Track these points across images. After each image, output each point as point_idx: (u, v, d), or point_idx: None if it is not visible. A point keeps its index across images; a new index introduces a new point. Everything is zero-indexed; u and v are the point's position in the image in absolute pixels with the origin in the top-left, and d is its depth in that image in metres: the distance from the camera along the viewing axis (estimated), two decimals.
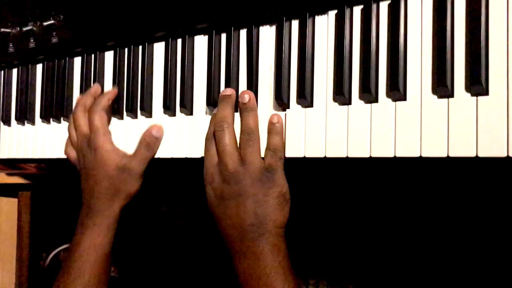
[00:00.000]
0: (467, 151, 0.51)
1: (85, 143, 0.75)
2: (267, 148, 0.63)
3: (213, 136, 0.65)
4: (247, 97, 0.64)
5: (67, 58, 0.86)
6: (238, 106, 0.66)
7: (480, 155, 0.50)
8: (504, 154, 0.49)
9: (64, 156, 0.85)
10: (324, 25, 0.62)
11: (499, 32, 0.51)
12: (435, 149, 0.53)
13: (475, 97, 0.51)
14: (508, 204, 0.71)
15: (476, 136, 0.51)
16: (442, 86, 0.53)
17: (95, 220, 0.72)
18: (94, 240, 0.71)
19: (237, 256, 0.61)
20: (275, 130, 0.62)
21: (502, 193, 0.71)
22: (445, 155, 0.52)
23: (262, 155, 0.63)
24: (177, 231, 0.90)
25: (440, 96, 0.53)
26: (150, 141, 0.72)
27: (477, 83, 0.51)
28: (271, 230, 0.60)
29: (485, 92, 0.51)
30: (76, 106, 0.78)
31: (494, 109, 0.50)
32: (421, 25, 0.55)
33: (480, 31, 0.51)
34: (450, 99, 0.52)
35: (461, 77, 0.53)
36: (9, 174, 1.13)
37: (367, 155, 0.57)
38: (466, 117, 0.51)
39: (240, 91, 0.67)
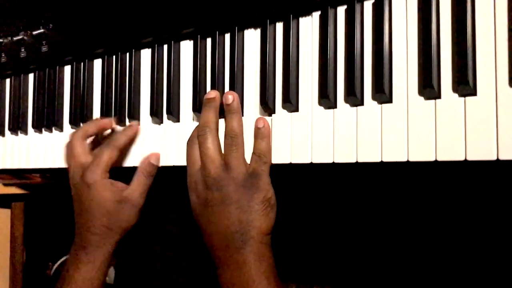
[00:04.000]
0: (456, 155, 0.49)
1: (78, 176, 0.70)
2: (253, 153, 0.61)
3: (196, 141, 0.63)
4: (230, 98, 0.63)
5: (57, 67, 0.85)
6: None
7: (469, 158, 0.48)
8: (494, 157, 0.47)
9: (56, 166, 0.85)
10: (309, 27, 0.60)
11: (486, 30, 0.49)
12: (423, 153, 0.51)
13: (463, 98, 0.49)
14: (498, 207, 0.68)
15: (465, 139, 0.48)
16: (428, 87, 0.50)
17: (91, 256, 0.69)
18: (89, 275, 0.69)
19: (221, 266, 0.59)
20: (261, 134, 0.61)
21: (492, 196, 0.69)
22: (433, 159, 0.50)
23: (249, 160, 0.62)
24: (170, 238, 0.88)
25: (427, 97, 0.51)
26: (150, 170, 0.70)
27: (464, 83, 0.49)
28: (256, 237, 0.58)
29: (473, 93, 0.49)
30: (76, 132, 0.73)
31: (483, 110, 0.48)
32: (406, 25, 0.53)
33: (467, 30, 0.49)
34: (437, 100, 0.50)
35: (448, 78, 0.50)
36: (5, 185, 1.12)
37: (353, 161, 0.55)
38: (454, 118, 0.49)
39: None
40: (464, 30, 0.49)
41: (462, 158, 0.49)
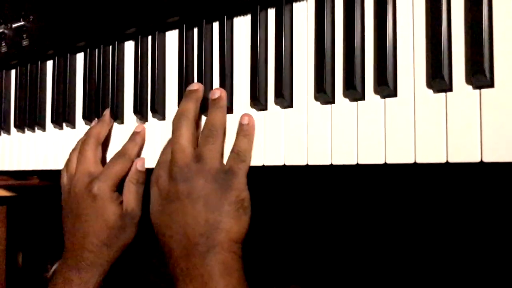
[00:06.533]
0: (470, 156, 0.42)
1: (83, 184, 0.63)
2: (232, 150, 0.55)
3: None
4: (217, 93, 0.57)
5: (39, 62, 0.80)
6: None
7: (485, 160, 0.42)
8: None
9: (40, 168, 0.79)
10: (303, 12, 0.54)
11: (504, 12, 0.42)
12: (432, 154, 0.44)
13: (477, 90, 0.42)
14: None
15: (481, 137, 0.42)
16: (438, 78, 0.44)
17: (84, 275, 0.62)
18: None
19: (181, 278, 0.52)
20: (243, 131, 0.55)
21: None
22: (444, 160, 0.44)
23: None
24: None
25: (437, 90, 0.45)
26: (138, 177, 0.64)
27: (480, 73, 0.42)
28: (223, 243, 0.51)
29: (490, 84, 0.42)
30: (88, 137, 0.67)
31: (501, 104, 0.41)
32: (413, 12, 0.47)
33: (482, 11, 0.43)
34: (448, 93, 0.44)
35: (461, 67, 0.44)
36: None
37: (354, 162, 0.49)
38: (468, 114, 0.43)
39: None
40: (478, 11, 0.43)
41: (478, 160, 0.42)
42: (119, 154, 0.65)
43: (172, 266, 0.53)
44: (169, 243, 0.54)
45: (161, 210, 0.55)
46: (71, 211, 0.65)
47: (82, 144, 0.66)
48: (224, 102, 0.57)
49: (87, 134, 0.67)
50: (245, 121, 0.54)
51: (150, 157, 0.64)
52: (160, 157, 0.58)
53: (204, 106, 0.58)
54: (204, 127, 0.56)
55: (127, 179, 0.64)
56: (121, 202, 0.63)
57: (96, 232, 0.62)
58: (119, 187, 0.64)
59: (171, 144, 0.55)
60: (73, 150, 0.69)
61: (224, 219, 0.51)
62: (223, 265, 0.50)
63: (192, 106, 0.57)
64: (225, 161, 0.55)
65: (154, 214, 0.56)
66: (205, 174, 0.52)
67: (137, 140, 0.65)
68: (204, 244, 0.51)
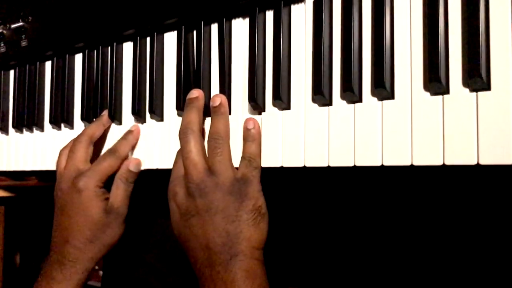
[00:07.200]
0: (467, 158, 0.43)
1: (70, 179, 0.63)
2: (242, 157, 0.55)
3: None
4: (218, 100, 0.57)
5: (38, 62, 0.80)
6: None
7: (482, 162, 0.42)
8: (511, 161, 0.41)
9: (38, 169, 0.79)
10: (301, 14, 0.54)
11: (501, 15, 0.42)
12: (429, 156, 0.44)
13: (474, 93, 0.43)
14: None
15: (477, 140, 0.42)
16: (435, 81, 0.44)
17: (66, 272, 0.61)
18: None
19: (206, 285, 0.53)
20: (251, 136, 0.55)
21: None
22: (440, 163, 0.44)
23: (236, 164, 0.56)
24: (162, 249, 0.82)
25: (434, 93, 0.45)
26: (128, 176, 0.64)
27: (477, 76, 0.42)
28: (245, 251, 0.52)
29: (487, 87, 0.42)
30: (81, 134, 0.66)
31: (497, 107, 0.41)
32: (410, 15, 0.47)
33: (479, 15, 0.43)
34: (445, 96, 0.44)
35: (458, 70, 0.44)
36: None
37: (351, 164, 0.49)
38: (465, 116, 0.43)
39: (212, 93, 0.60)
40: (475, 15, 0.43)
41: (474, 162, 0.42)
42: (109, 152, 0.65)
43: (198, 273, 0.54)
44: (193, 253, 0.54)
45: (182, 224, 0.55)
46: (57, 206, 0.65)
47: (74, 141, 0.66)
48: (225, 108, 0.57)
49: (82, 132, 0.67)
50: (251, 126, 0.54)
51: (147, 158, 0.64)
52: (173, 172, 0.58)
53: (205, 109, 0.59)
54: (209, 138, 0.56)
55: (116, 176, 0.64)
56: (107, 199, 0.63)
57: (80, 228, 0.62)
58: (108, 185, 0.64)
59: (183, 159, 0.56)
60: (64, 147, 0.69)
61: (244, 228, 0.52)
62: (246, 272, 0.51)
63: (195, 116, 0.57)
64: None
65: (176, 227, 0.57)
66: (220, 187, 0.53)
67: (129, 138, 0.65)
68: (227, 253, 0.51)
